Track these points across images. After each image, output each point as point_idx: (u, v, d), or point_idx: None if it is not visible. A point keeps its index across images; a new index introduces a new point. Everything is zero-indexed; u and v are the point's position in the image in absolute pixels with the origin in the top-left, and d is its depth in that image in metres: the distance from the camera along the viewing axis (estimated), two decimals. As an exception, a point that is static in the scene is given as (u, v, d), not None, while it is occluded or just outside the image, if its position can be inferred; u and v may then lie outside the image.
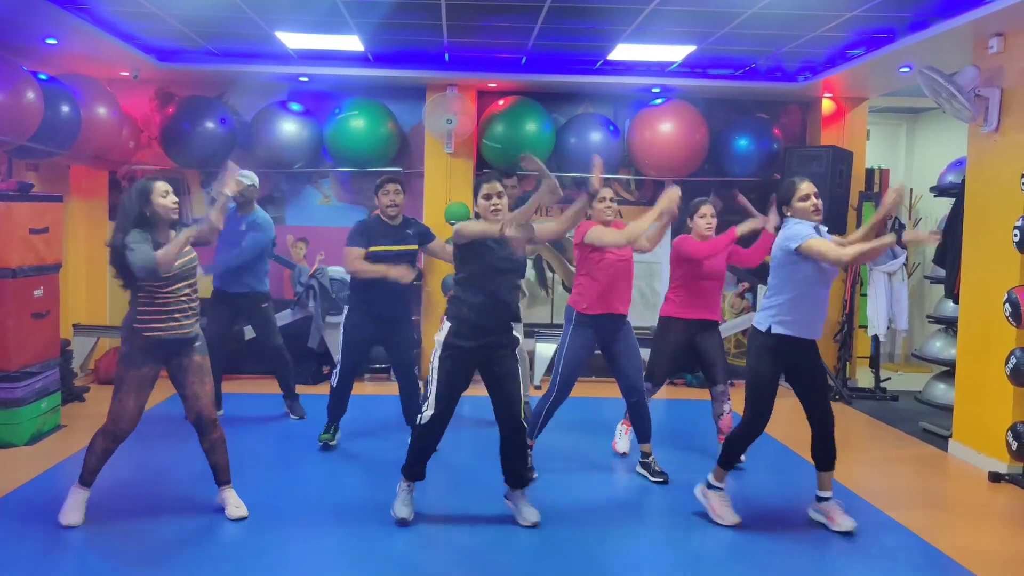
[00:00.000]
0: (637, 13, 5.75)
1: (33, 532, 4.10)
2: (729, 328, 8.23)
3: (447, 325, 4.22)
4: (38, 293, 5.91)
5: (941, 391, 6.71)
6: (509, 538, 4.18)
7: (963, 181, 6.20)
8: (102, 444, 4.18)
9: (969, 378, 5.85)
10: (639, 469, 5.24)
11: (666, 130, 7.89)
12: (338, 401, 5.61)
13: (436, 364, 4.20)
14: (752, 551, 4.12)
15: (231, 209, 6.40)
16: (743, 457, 4.55)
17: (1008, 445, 5.27)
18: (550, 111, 8.07)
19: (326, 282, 7.73)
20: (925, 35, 5.81)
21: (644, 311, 7.70)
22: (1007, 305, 5.18)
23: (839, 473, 5.36)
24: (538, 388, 7.83)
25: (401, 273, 5.12)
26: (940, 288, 7.18)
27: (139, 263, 3.92)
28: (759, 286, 8.26)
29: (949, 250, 6.49)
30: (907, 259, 7.90)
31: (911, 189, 9.86)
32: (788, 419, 5.52)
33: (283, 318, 7.83)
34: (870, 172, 8.52)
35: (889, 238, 4.17)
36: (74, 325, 7.53)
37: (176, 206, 4.13)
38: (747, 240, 5.38)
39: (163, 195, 4.08)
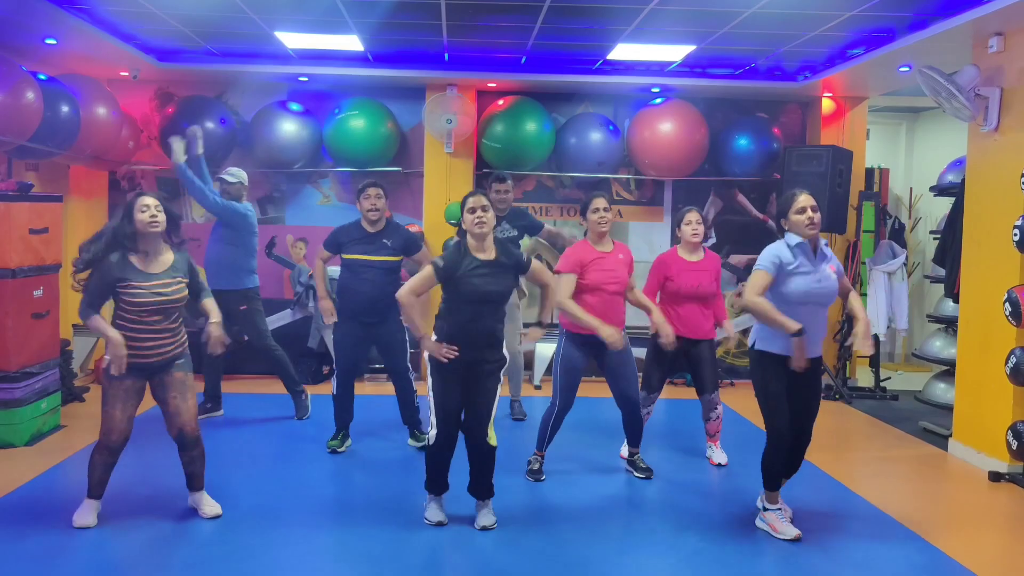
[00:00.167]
0: (637, 13, 5.75)
1: (33, 532, 4.10)
2: (728, 329, 8.22)
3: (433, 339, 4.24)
4: (38, 293, 5.91)
5: (941, 390, 6.71)
6: (513, 539, 4.18)
7: (963, 180, 6.20)
8: (99, 458, 4.19)
9: (969, 377, 5.85)
10: (626, 467, 5.30)
11: (666, 130, 7.89)
12: (340, 408, 5.60)
13: (429, 385, 4.22)
14: (751, 551, 4.11)
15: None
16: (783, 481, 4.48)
17: (1008, 444, 5.27)
18: (550, 111, 8.07)
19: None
20: (925, 34, 5.81)
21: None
22: (1007, 304, 5.18)
23: (839, 472, 5.39)
24: (538, 388, 7.83)
25: (323, 308, 5.60)
26: (940, 287, 7.18)
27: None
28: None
29: (949, 249, 6.50)
30: (907, 258, 7.90)
31: (911, 188, 9.87)
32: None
33: (283, 318, 7.85)
34: (870, 171, 8.52)
35: (792, 327, 4.01)
36: (74, 325, 7.52)
37: (153, 221, 4.04)
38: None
39: (141, 211, 4.04)
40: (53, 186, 7.26)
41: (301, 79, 7.86)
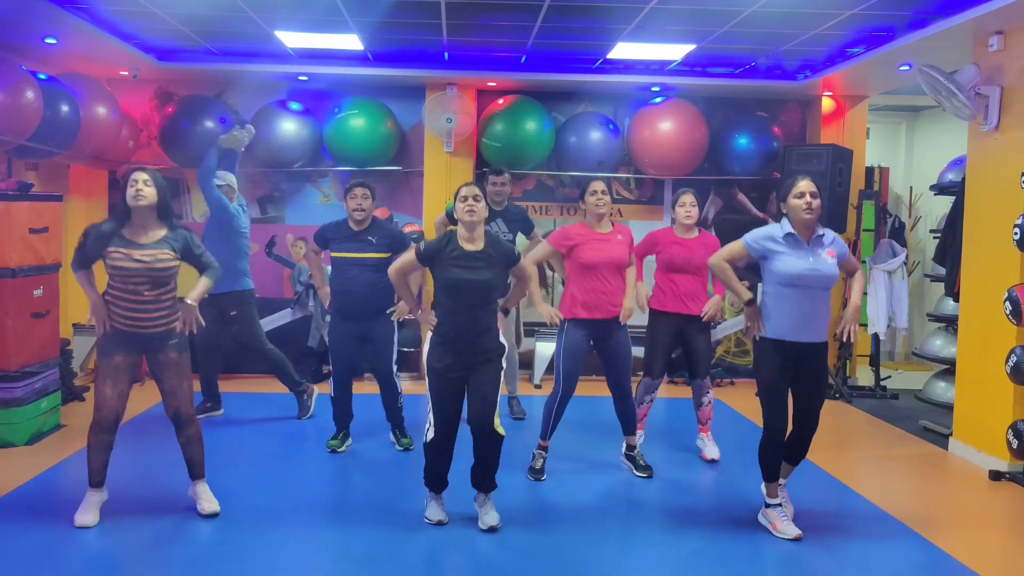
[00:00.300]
0: (636, 12, 5.74)
1: (33, 531, 4.10)
2: (729, 327, 8.24)
3: (429, 337, 4.24)
4: (38, 293, 5.91)
5: (941, 389, 6.71)
6: (513, 538, 4.17)
7: (963, 179, 6.20)
8: (92, 438, 4.20)
9: (969, 376, 5.84)
10: (623, 460, 5.29)
11: (666, 129, 7.88)
12: (339, 408, 5.60)
13: (427, 383, 4.23)
14: (752, 550, 4.11)
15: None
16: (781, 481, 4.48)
17: (1008, 443, 5.27)
18: (550, 110, 8.07)
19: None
20: (925, 33, 5.80)
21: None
22: (1007, 303, 5.18)
23: (840, 471, 5.39)
24: (538, 387, 7.83)
25: (323, 295, 5.63)
26: (940, 286, 7.18)
27: None
28: (758, 284, 8.26)
29: (949, 248, 6.49)
30: (907, 257, 7.90)
31: (911, 187, 9.87)
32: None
33: (283, 317, 7.84)
34: (870, 170, 8.52)
35: (744, 296, 4.25)
36: (74, 325, 7.52)
37: (138, 195, 4.08)
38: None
39: (130, 185, 4.13)
40: (53, 185, 7.26)
41: (301, 78, 7.86)
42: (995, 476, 5.35)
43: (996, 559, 4.15)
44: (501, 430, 4.20)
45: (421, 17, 6.09)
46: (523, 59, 7.46)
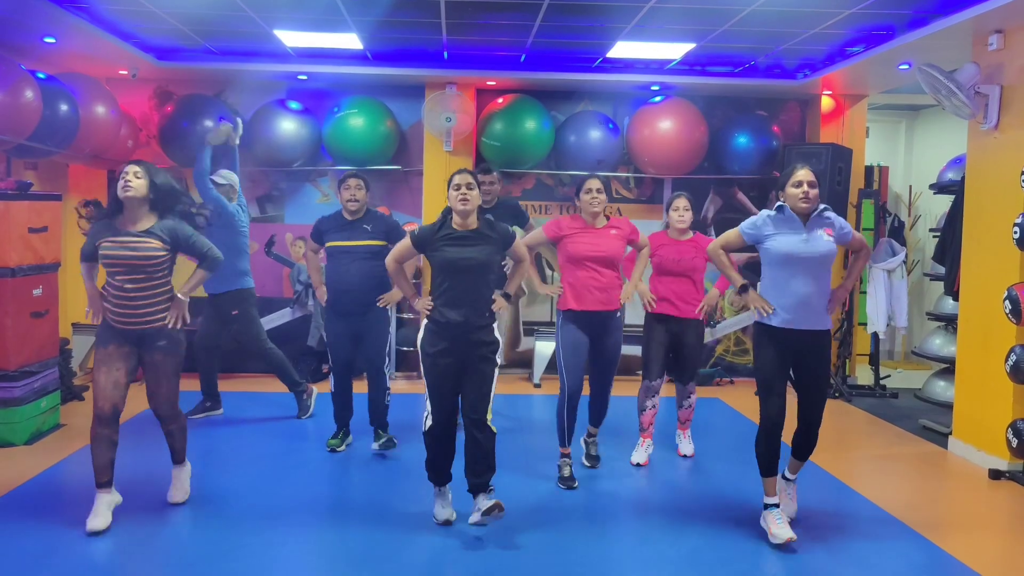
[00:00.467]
0: (636, 10, 5.74)
1: (32, 531, 4.10)
2: (728, 326, 8.24)
3: (423, 324, 4.23)
4: (37, 292, 5.91)
5: (941, 388, 6.72)
6: (512, 538, 4.17)
7: (963, 178, 6.20)
8: (92, 431, 4.17)
9: (969, 375, 5.84)
10: (581, 445, 5.38)
11: (665, 128, 7.88)
12: (339, 406, 5.60)
13: (422, 370, 4.22)
14: (752, 549, 4.11)
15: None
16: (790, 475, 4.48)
17: (1008, 442, 5.27)
18: (549, 109, 8.06)
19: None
20: (925, 32, 5.80)
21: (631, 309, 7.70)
22: (1007, 302, 5.18)
23: (839, 470, 5.39)
24: (537, 386, 7.83)
25: (320, 295, 5.54)
26: (940, 285, 7.18)
27: None
28: (757, 283, 8.25)
29: (949, 247, 6.50)
30: (906, 256, 7.90)
31: (910, 186, 9.87)
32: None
33: (282, 316, 7.84)
34: (869, 169, 8.51)
35: (737, 282, 4.29)
36: (73, 324, 7.52)
37: (126, 186, 4.09)
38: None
39: (120, 176, 4.14)
40: (52, 185, 7.26)
41: (300, 77, 7.85)
42: (995, 475, 5.35)
43: (996, 558, 4.15)
44: (493, 427, 4.18)
45: (420, 16, 6.09)
46: (522, 58, 7.46)
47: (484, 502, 4.13)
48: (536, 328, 8.10)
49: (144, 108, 8.04)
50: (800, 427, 4.26)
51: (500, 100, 7.98)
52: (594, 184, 4.92)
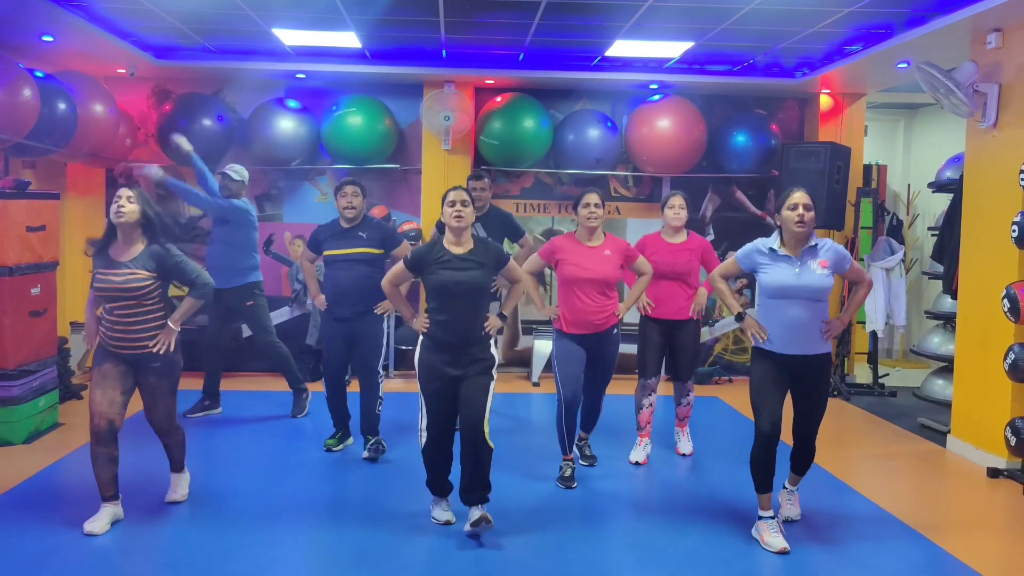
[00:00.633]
0: (635, 9, 5.74)
1: (31, 530, 4.09)
2: (727, 324, 8.24)
3: (420, 340, 4.23)
4: (35, 291, 5.90)
5: (939, 387, 6.72)
6: (512, 538, 4.17)
7: (961, 177, 6.20)
8: (92, 450, 4.17)
9: (967, 374, 5.85)
10: (575, 450, 5.33)
11: (664, 126, 7.88)
12: (333, 409, 5.59)
13: (419, 386, 4.22)
14: (751, 548, 4.11)
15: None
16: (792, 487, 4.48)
17: (1007, 441, 5.27)
18: (548, 108, 8.06)
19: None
20: (923, 31, 5.80)
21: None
22: (1005, 300, 5.18)
23: (838, 469, 5.39)
24: (536, 385, 7.83)
25: (319, 303, 5.52)
26: (938, 284, 7.18)
27: None
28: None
29: (947, 246, 6.50)
30: (905, 255, 7.90)
31: (909, 185, 9.88)
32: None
33: (281, 315, 7.84)
34: (868, 168, 8.51)
35: (734, 309, 4.24)
36: (71, 323, 7.51)
37: (118, 211, 4.08)
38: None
39: (113, 201, 4.14)
40: (50, 184, 7.25)
41: (299, 76, 7.85)
42: (993, 473, 5.35)
43: (994, 557, 4.16)
44: (490, 442, 4.13)
45: (419, 15, 6.08)
46: (521, 57, 7.45)
47: (475, 512, 4.13)
48: (534, 327, 8.09)
49: (142, 107, 8.03)
50: (796, 443, 4.28)
51: (499, 99, 7.97)
52: (592, 199, 4.86)
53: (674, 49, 6.98)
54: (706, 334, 8.03)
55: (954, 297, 6.29)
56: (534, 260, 5.02)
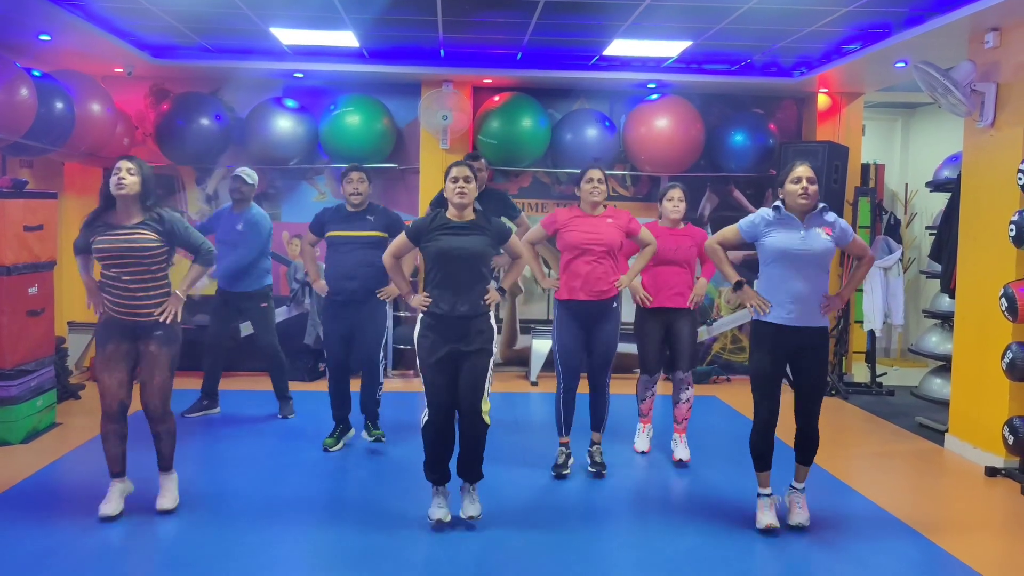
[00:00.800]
0: (633, 8, 5.74)
1: (29, 530, 4.09)
2: (726, 323, 8.24)
3: (420, 318, 4.24)
4: (33, 291, 5.89)
5: (937, 386, 6.72)
6: (511, 537, 4.18)
7: (959, 176, 6.20)
8: (102, 427, 4.21)
9: (965, 373, 5.85)
10: (586, 457, 5.23)
11: (662, 126, 7.88)
12: (335, 403, 5.59)
13: (418, 365, 4.23)
14: (750, 547, 4.12)
15: (226, 208, 6.41)
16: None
17: (1004, 439, 5.27)
18: (546, 107, 8.06)
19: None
20: (921, 30, 5.81)
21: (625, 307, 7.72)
22: (1003, 300, 5.19)
23: (836, 468, 5.39)
24: (534, 384, 7.83)
25: (319, 288, 5.50)
26: (936, 283, 7.19)
27: None
28: (755, 281, 8.26)
29: (945, 245, 6.50)
30: (903, 254, 7.91)
31: (907, 184, 9.89)
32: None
33: (279, 315, 7.82)
34: (866, 167, 8.53)
35: (732, 278, 4.29)
36: (69, 323, 7.51)
37: (119, 183, 4.08)
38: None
39: (114, 172, 4.13)
40: (47, 183, 7.24)
41: (296, 75, 7.84)
42: (991, 472, 5.36)
43: (992, 556, 4.16)
44: (487, 418, 4.18)
45: (417, 14, 6.08)
46: (519, 56, 7.45)
47: (473, 506, 4.26)
48: (533, 326, 8.09)
49: (140, 106, 8.02)
50: (799, 427, 4.27)
51: (496, 98, 7.97)
52: (595, 174, 4.96)
53: (672, 48, 6.98)
54: (704, 333, 8.03)
55: (952, 296, 6.29)
56: (536, 230, 5.04)
